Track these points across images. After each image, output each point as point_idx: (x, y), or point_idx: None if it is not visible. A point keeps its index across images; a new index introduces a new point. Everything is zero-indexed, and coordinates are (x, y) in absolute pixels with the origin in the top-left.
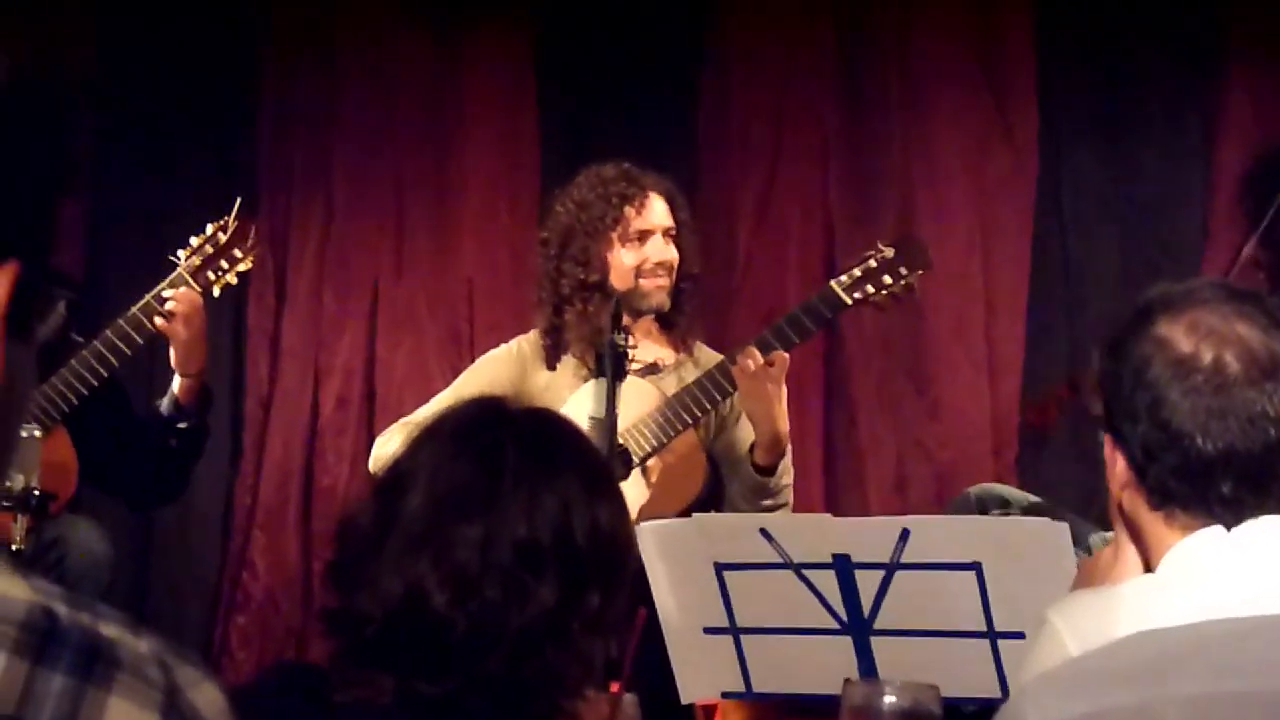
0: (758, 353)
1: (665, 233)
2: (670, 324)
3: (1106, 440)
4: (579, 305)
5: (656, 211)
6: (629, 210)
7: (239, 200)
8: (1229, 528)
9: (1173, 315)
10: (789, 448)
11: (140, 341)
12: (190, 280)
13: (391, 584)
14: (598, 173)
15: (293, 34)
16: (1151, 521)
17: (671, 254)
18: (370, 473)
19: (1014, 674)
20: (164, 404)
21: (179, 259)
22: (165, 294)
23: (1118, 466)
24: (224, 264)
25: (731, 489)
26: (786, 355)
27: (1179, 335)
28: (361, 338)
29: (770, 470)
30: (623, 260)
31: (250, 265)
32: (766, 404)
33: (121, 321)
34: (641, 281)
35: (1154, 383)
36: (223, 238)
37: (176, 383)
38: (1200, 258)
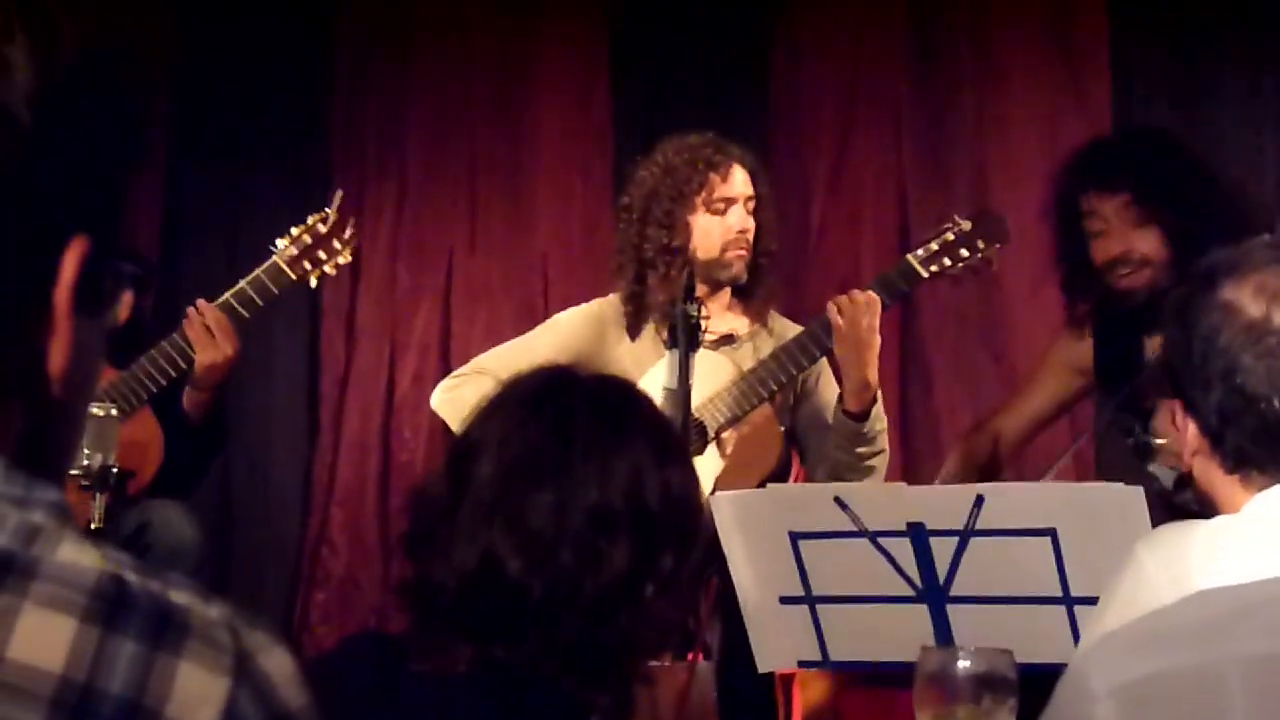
0: (857, 294)
1: (746, 202)
2: (747, 296)
3: (1177, 407)
4: (661, 269)
5: (740, 180)
6: (714, 176)
7: (339, 192)
8: None
9: (1237, 279)
10: (879, 396)
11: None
12: (286, 269)
13: (466, 552)
14: (683, 139)
15: (367, 10)
16: (1226, 484)
17: (751, 224)
18: (432, 410)
19: (1096, 614)
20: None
21: (276, 248)
22: (201, 305)
23: (1189, 433)
24: (322, 254)
25: (825, 448)
26: (875, 296)
27: (1246, 299)
28: (437, 313)
29: (863, 416)
30: (706, 227)
31: (349, 258)
32: (859, 350)
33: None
34: (727, 252)
35: (1226, 349)
36: (323, 229)
37: (185, 393)
38: (1276, 219)
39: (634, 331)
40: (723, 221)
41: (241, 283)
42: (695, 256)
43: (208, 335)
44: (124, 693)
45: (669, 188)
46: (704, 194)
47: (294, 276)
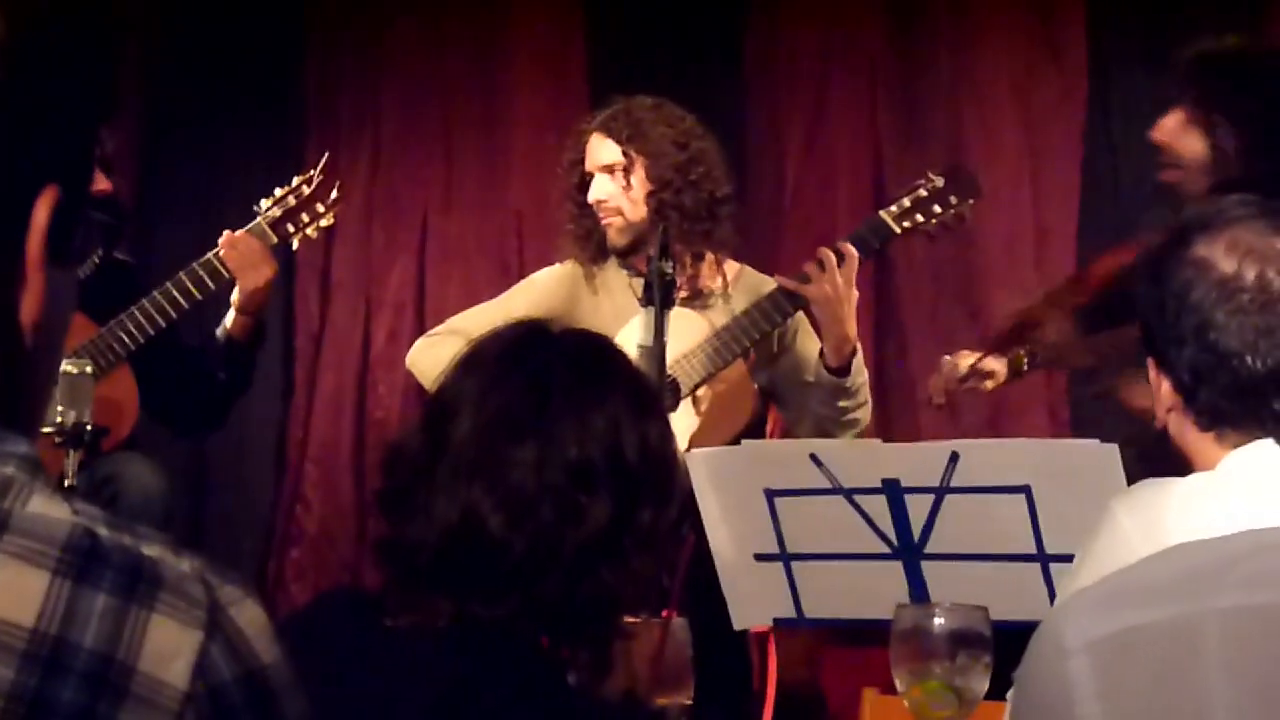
0: (829, 252)
1: (607, 169)
2: (693, 250)
3: (1150, 364)
4: (583, 254)
5: (593, 151)
6: (576, 167)
7: (326, 155)
8: None
9: (1210, 235)
10: (859, 348)
11: (212, 287)
12: (268, 230)
13: (446, 509)
14: None
15: None
16: (1200, 441)
17: (606, 190)
18: (408, 369)
19: (1072, 570)
20: (218, 334)
21: (260, 209)
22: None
23: (1163, 390)
24: (305, 217)
25: (806, 403)
26: (852, 250)
27: (1219, 255)
28: (411, 271)
29: (844, 370)
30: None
31: (332, 221)
32: (835, 305)
33: (196, 266)
34: (599, 225)
35: (1199, 305)
36: (306, 190)
37: (230, 317)
38: None
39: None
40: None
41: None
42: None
43: (247, 261)
44: (96, 646)
45: (561, 183)
46: (576, 177)
47: (276, 239)
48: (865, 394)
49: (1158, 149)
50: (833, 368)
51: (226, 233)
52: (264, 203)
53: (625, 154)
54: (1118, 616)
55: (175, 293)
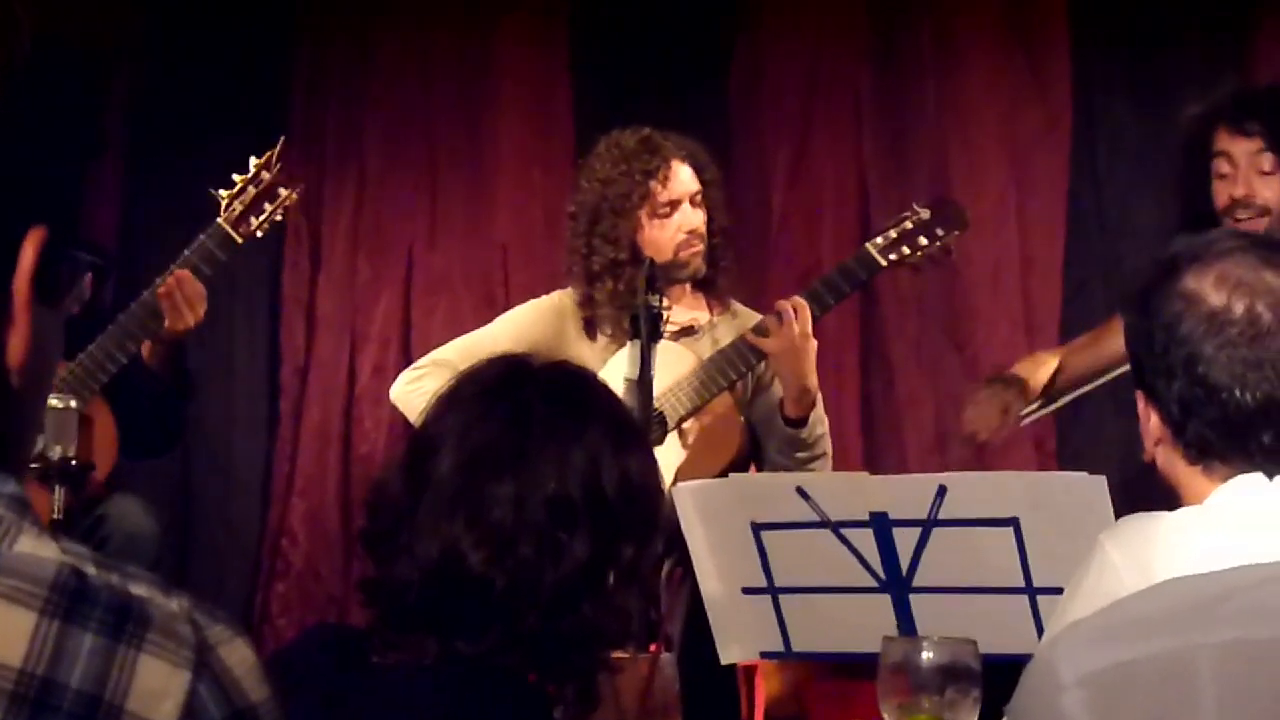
0: (788, 305)
1: (692, 198)
2: (707, 283)
3: (1139, 397)
4: (609, 283)
5: (681, 180)
6: (654, 185)
7: (282, 138)
8: (1270, 477)
9: (1199, 268)
10: (819, 399)
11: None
12: (232, 231)
13: (427, 547)
14: (618, 143)
15: (326, 3)
16: (1189, 475)
17: (700, 219)
18: (392, 403)
19: (1061, 605)
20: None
21: (220, 197)
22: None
23: (1151, 422)
24: (267, 205)
25: (769, 448)
26: (804, 303)
27: (1208, 288)
28: (397, 304)
29: (800, 422)
30: (655, 234)
31: (295, 199)
32: (793, 357)
33: (147, 295)
34: (680, 254)
35: (1188, 338)
36: (267, 176)
37: (145, 345)
38: None
39: (590, 333)
40: (670, 224)
41: (187, 251)
42: (649, 261)
43: (185, 305)
44: (84, 686)
45: (611, 202)
46: (648, 204)
47: (240, 240)
48: (823, 446)
49: (1234, 205)
50: (791, 418)
51: (176, 271)
52: (223, 193)
53: (702, 182)
54: (1112, 650)
55: (142, 314)
